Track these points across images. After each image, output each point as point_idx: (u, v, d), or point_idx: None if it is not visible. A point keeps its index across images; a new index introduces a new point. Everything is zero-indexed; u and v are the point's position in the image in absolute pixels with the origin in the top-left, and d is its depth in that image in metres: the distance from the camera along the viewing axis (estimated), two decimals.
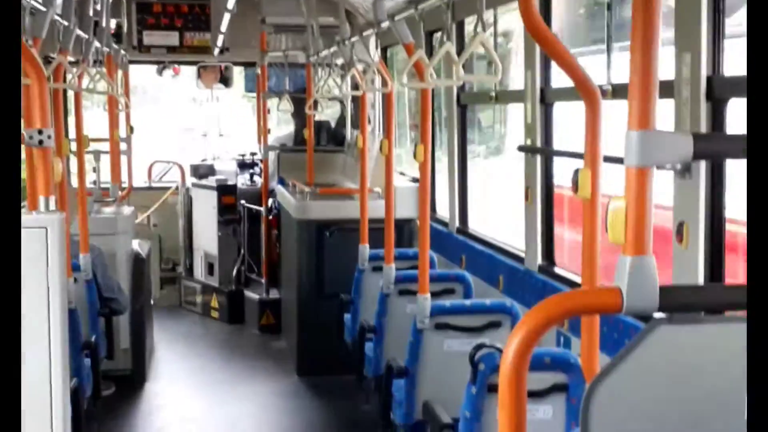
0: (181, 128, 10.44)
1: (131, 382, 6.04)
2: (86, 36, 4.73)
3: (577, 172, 2.38)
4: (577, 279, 3.83)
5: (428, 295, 3.84)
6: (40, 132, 2.95)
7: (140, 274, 6.08)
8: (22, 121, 3.52)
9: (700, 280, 2.67)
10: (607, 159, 2.64)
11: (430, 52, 5.59)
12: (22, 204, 4.53)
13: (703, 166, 2.74)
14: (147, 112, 10.82)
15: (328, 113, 8.25)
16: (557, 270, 4.14)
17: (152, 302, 7.01)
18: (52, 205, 2.99)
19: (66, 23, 4.03)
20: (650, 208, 1.45)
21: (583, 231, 2.41)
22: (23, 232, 2.71)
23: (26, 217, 3.01)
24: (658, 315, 1.47)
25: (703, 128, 2.70)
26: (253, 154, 8.74)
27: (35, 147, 2.96)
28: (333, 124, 8.40)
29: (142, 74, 8.83)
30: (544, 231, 4.24)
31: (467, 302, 4.02)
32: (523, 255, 4.41)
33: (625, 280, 1.42)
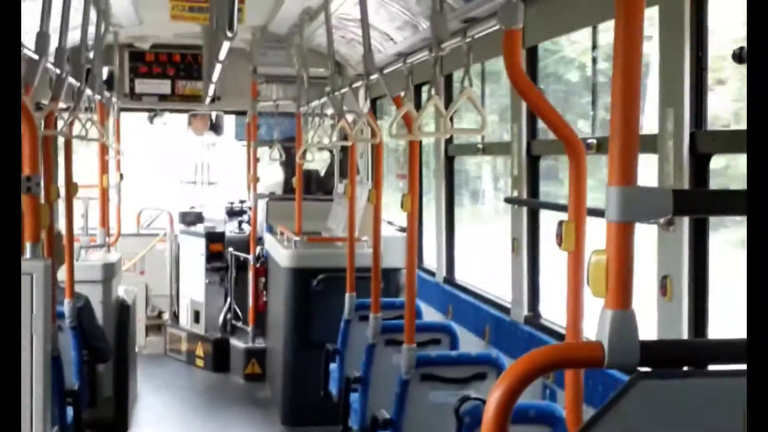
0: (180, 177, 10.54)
1: (113, 430, 5.96)
2: (78, 84, 4.77)
3: (561, 224, 2.41)
4: (563, 331, 3.84)
5: (414, 346, 3.84)
6: (28, 179, 2.97)
7: (125, 322, 6.04)
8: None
9: (684, 333, 2.69)
10: (591, 212, 2.67)
11: (418, 104, 5.66)
12: None
13: (686, 220, 2.78)
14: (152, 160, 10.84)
15: (317, 162, 8.30)
16: (543, 321, 4.15)
17: (137, 350, 6.95)
18: (39, 252, 3.00)
19: (58, 71, 4.07)
20: (631, 263, 1.47)
21: (567, 284, 2.43)
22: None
23: None
24: (641, 368, 1.48)
25: (686, 183, 2.74)
26: (242, 201, 8.76)
27: (24, 193, 2.97)
28: (322, 173, 8.44)
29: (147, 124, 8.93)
30: (530, 282, 4.26)
31: (453, 353, 4.01)
32: (509, 306, 4.41)
33: (607, 335, 1.43)
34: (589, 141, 3.45)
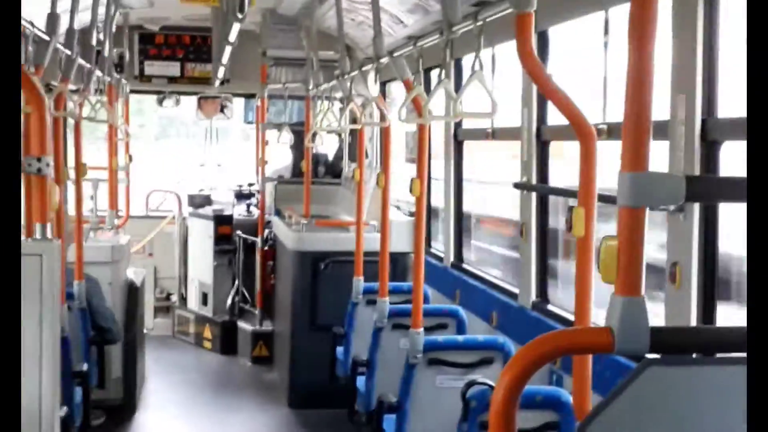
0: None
1: (122, 411, 6.00)
2: (88, 65, 4.77)
3: (571, 210, 2.40)
4: (571, 317, 3.84)
5: (421, 330, 3.84)
6: (38, 160, 2.97)
7: (134, 303, 6.07)
8: (22, 148, 3.55)
9: (693, 321, 2.68)
10: (601, 198, 2.66)
11: (428, 88, 5.64)
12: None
13: (696, 206, 2.76)
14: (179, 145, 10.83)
15: (325, 146, 8.29)
16: (550, 307, 4.14)
17: (145, 331, 6.98)
18: (49, 233, 3.00)
19: (68, 52, 4.06)
20: (642, 249, 1.46)
21: (576, 269, 2.42)
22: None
23: (22, 244, 3.02)
24: (649, 355, 1.48)
25: (697, 170, 2.72)
26: (250, 185, 8.76)
27: (33, 174, 2.98)
28: (330, 157, 8.44)
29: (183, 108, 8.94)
30: (539, 268, 4.25)
31: (460, 338, 4.01)
32: (517, 291, 4.41)
33: (617, 321, 1.42)
34: (600, 126, 3.43)
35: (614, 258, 1.44)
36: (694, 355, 1.60)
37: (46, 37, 3.56)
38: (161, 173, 10.45)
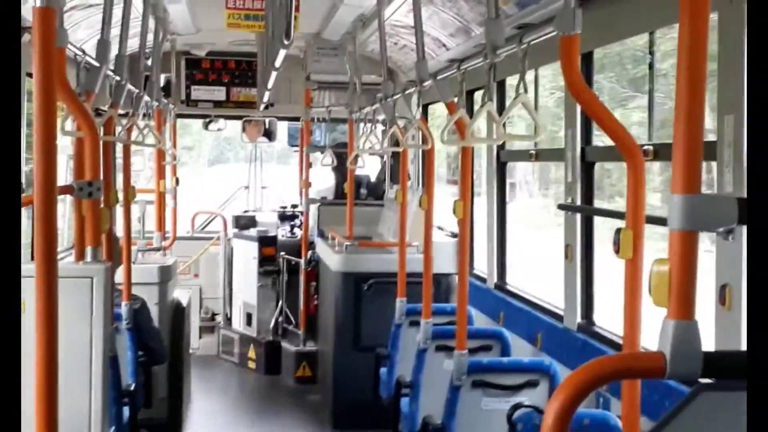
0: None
1: (167, 430, 6.05)
2: (137, 91, 4.87)
3: (618, 232, 2.38)
4: (617, 339, 3.79)
5: (466, 352, 3.82)
6: (90, 184, 3.04)
7: (180, 324, 6.14)
8: (73, 172, 3.63)
9: (744, 344, 2.63)
10: (650, 219, 2.63)
11: (470, 109, 5.65)
12: (70, 252, 4.61)
13: (745, 228, 2.72)
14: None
15: (367, 167, 8.34)
16: (596, 329, 4.10)
17: (191, 351, 7.05)
18: (99, 255, 3.06)
19: (118, 78, 4.16)
20: (695, 272, 1.45)
21: (624, 292, 2.40)
22: (70, 281, 2.77)
23: (73, 267, 3.08)
24: (702, 380, 1.46)
25: (745, 191, 2.68)
26: (294, 206, 8.83)
27: (85, 198, 3.04)
28: (373, 178, 8.48)
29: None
30: (584, 289, 4.22)
31: (505, 360, 3.99)
32: (562, 313, 4.37)
33: (669, 346, 1.41)
34: (645, 147, 3.40)
35: (666, 281, 1.43)
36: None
37: (97, 64, 3.64)
38: (211, 195, 10.58)
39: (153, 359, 5.04)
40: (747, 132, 1.37)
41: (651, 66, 3.85)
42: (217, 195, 10.78)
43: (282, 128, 9.34)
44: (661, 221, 2.72)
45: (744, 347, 2.68)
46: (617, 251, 2.37)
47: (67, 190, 3.03)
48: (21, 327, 1.76)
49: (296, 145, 9.01)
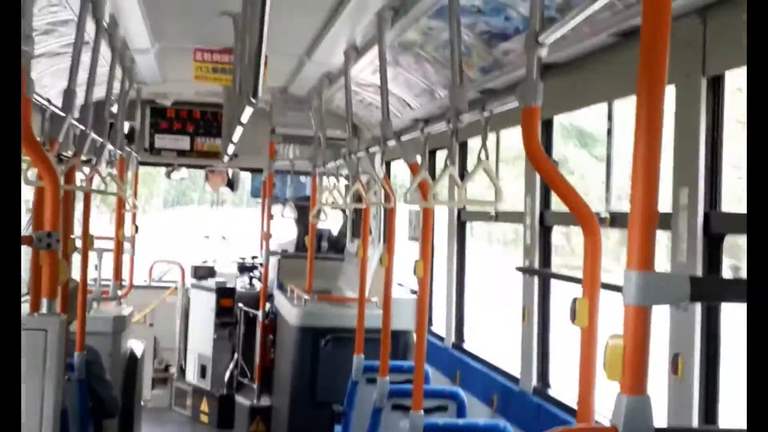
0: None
1: None
2: (101, 139, 4.85)
3: (575, 301, 2.41)
4: (571, 403, 3.81)
5: (422, 413, 3.82)
6: (49, 235, 3.00)
7: (133, 375, 6.03)
8: (32, 222, 3.59)
9: (695, 414, 2.67)
10: (606, 286, 2.67)
11: (432, 168, 5.72)
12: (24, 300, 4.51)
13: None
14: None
15: (329, 221, 8.36)
16: (551, 393, 4.12)
17: (142, 403, 6.91)
18: (55, 308, 3.01)
19: (83, 127, 4.14)
20: (647, 347, 1.49)
21: (580, 362, 2.42)
22: (23, 333, 2.72)
23: (27, 319, 3.02)
24: None
25: (699, 263, 2.75)
26: (253, 257, 8.79)
27: (43, 250, 3.00)
28: (334, 233, 8.49)
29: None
30: (540, 352, 4.25)
31: (460, 422, 3.99)
32: (518, 375, 4.39)
33: (622, 420, 1.43)
34: (602, 216, 3.48)
35: (619, 357, 1.46)
36: None
37: (62, 114, 3.63)
38: (169, 243, 10.50)
39: (104, 411, 4.93)
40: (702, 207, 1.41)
41: (609, 132, 3.93)
42: (175, 241, 10.70)
43: (247, 177, 9.34)
44: (617, 289, 2.76)
45: (695, 416, 2.71)
46: (573, 319, 2.40)
47: (25, 240, 2.99)
48: None
49: (259, 196, 9.01)
